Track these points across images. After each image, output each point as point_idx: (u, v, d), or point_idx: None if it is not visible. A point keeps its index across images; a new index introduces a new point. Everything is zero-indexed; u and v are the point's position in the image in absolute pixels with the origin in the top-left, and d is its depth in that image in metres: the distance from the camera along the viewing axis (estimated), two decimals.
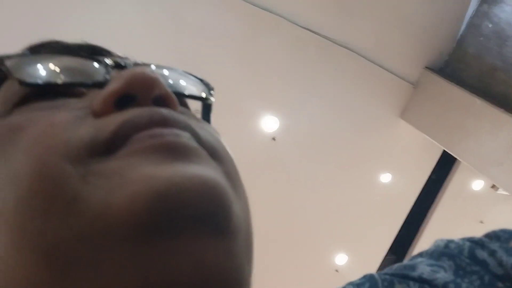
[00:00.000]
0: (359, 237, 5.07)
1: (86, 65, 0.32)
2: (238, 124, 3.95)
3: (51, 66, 0.32)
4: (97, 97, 0.28)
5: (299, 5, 3.98)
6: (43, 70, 0.31)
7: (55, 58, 0.32)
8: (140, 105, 0.27)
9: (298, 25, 3.99)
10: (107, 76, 0.31)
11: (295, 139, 4.42)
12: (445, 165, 5.22)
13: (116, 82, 0.28)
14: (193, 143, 0.26)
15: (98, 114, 0.28)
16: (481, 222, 5.58)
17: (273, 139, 4.26)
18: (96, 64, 0.33)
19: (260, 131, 4.25)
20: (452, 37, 4.48)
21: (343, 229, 4.93)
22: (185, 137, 0.26)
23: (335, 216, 4.90)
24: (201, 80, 0.38)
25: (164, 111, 0.27)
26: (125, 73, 0.29)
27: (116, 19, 3.42)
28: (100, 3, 3.37)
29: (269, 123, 4.18)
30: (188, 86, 0.36)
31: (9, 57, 0.32)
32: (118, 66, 0.33)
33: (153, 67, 0.34)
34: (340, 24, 4.14)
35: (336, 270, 5.21)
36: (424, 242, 5.30)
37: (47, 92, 0.31)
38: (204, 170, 0.24)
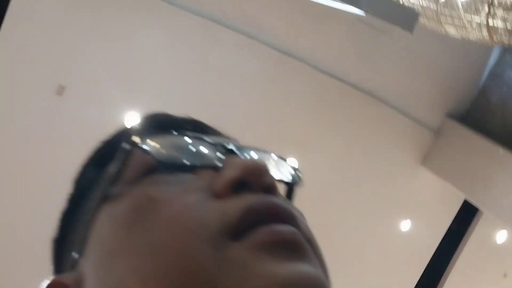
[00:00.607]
0: (378, 287, 4.91)
1: (204, 147, 0.38)
2: None
3: (179, 146, 0.38)
4: (218, 181, 0.34)
5: (322, 51, 4.04)
6: (173, 150, 0.37)
7: (180, 138, 0.38)
8: (253, 191, 0.33)
9: (320, 70, 4.04)
10: (222, 161, 0.36)
11: (313, 182, 4.39)
12: (467, 214, 5.10)
13: (233, 169, 0.34)
14: (301, 239, 0.31)
15: (219, 196, 0.33)
16: (505, 275, 5.38)
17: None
18: (211, 148, 0.38)
19: None
20: (474, 85, 4.49)
21: (361, 277, 4.79)
22: (296, 234, 0.31)
23: (353, 264, 4.75)
24: (291, 166, 0.42)
25: (275, 200, 0.33)
26: (240, 162, 0.35)
27: (144, 59, 3.51)
28: (128, 42, 3.47)
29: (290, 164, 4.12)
30: (283, 171, 0.40)
31: (139, 132, 0.39)
32: (228, 150, 0.38)
33: (259, 157, 0.39)
34: (362, 71, 4.18)
35: None
36: None
37: (170, 167, 0.37)
38: (312, 268, 0.30)
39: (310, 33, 3.99)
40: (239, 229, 0.30)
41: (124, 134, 0.41)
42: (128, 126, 0.45)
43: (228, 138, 0.44)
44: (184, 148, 0.37)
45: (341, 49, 4.09)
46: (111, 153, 0.40)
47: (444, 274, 5.18)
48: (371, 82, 4.22)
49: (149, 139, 0.37)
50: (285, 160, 0.41)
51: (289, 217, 0.32)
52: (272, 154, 0.41)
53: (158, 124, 0.43)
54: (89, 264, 0.36)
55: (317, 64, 4.02)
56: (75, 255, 0.38)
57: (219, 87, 3.72)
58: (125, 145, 0.37)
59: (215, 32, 3.66)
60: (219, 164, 0.36)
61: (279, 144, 4.01)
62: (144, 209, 0.33)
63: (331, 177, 4.43)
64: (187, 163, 0.36)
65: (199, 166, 0.36)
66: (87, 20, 3.40)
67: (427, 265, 4.94)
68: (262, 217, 0.31)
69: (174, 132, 0.39)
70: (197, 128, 0.43)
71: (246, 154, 0.38)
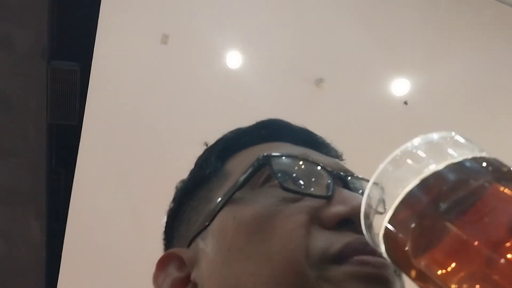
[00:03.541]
0: None
1: (319, 175, 0.45)
2: (367, 89, 3.93)
3: (298, 171, 0.45)
4: (327, 214, 0.41)
5: None
6: (293, 175, 0.45)
7: (301, 163, 0.46)
8: (356, 230, 0.38)
9: None
10: (333, 192, 0.43)
11: (429, 101, 3.93)
12: None
13: (342, 207, 0.41)
14: (390, 274, 0.38)
15: (326, 227, 0.41)
16: None
17: (405, 103, 3.87)
18: (326, 175, 0.44)
19: (390, 95, 3.96)
20: None
21: None
22: (384, 269, 0.38)
23: None
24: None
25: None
26: (348, 200, 0.41)
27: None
28: None
29: (400, 87, 4.00)
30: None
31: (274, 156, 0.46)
32: (340, 179, 0.45)
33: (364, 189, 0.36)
34: None
35: None
36: None
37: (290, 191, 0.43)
38: None
39: None
40: (337, 258, 0.38)
41: (245, 136, 0.52)
42: (245, 126, 0.53)
43: (338, 157, 0.53)
44: (302, 174, 0.45)
45: None
46: (232, 149, 0.51)
47: None
48: None
49: (277, 160, 0.44)
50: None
51: (379, 255, 0.33)
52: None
53: (275, 132, 0.52)
54: (207, 250, 0.45)
55: None
56: (193, 234, 0.47)
57: (318, 9, 3.53)
58: (258, 161, 0.45)
59: None
60: (330, 194, 0.42)
61: (386, 64, 3.80)
62: (264, 222, 0.41)
63: (448, 91, 3.85)
64: (304, 191, 0.43)
65: (313, 195, 0.43)
66: None
67: None
68: (357, 252, 0.38)
69: (295, 155, 0.46)
70: (309, 140, 0.52)
71: (354, 185, 0.45)
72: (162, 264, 0.48)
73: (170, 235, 0.53)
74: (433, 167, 0.29)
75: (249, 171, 0.45)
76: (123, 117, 3.18)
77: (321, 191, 0.43)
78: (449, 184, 0.28)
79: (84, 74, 3.11)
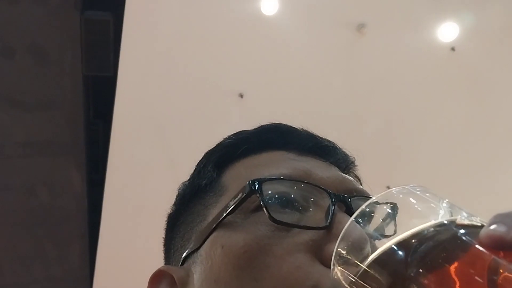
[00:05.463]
0: None
1: (319, 198, 0.41)
2: (412, 35, 3.74)
3: (294, 200, 0.40)
4: (326, 251, 0.37)
5: None
6: (285, 205, 0.40)
7: (297, 188, 0.41)
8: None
9: None
10: (331, 220, 0.39)
11: (479, 47, 3.70)
12: None
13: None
14: None
15: (325, 263, 0.36)
16: None
17: (452, 49, 3.77)
18: (326, 199, 0.40)
19: (437, 41, 3.76)
20: None
21: None
22: None
23: None
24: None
25: None
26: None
27: None
28: None
29: (447, 31, 3.74)
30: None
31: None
32: (343, 201, 0.40)
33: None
34: None
35: None
36: None
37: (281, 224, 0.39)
38: None
39: None
40: None
41: (239, 140, 0.48)
42: (249, 130, 0.50)
43: (349, 165, 0.49)
44: (298, 199, 0.41)
45: None
46: (230, 157, 0.47)
47: None
48: None
49: (268, 186, 0.40)
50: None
51: None
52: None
53: (278, 139, 0.48)
54: (196, 276, 0.42)
55: None
56: (185, 254, 0.45)
57: None
58: (248, 187, 0.40)
59: None
60: (327, 225, 0.38)
61: (432, 7, 3.60)
62: (255, 257, 0.38)
63: (500, 34, 3.61)
64: (298, 223, 0.39)
65: (308, 227, 0.39)
66: None
67: None
68: None
69: (291, 177, 0.42)
70: (315, 147, 0.47)
71: (357, 208, 0.34)
72: (154, 281, 0.46)
73: (168, 245, 0.51)
74: (410, 230, 0.28)
75: (238, 197, 0.41)
76: (157, 67, 3.17)
77: (320, 217, 0.40)
78: (421, 249, 0.28)
79: (117, 24, 3.06)
